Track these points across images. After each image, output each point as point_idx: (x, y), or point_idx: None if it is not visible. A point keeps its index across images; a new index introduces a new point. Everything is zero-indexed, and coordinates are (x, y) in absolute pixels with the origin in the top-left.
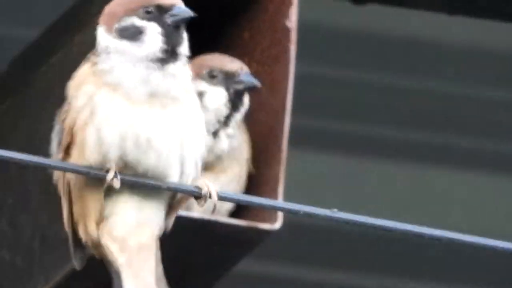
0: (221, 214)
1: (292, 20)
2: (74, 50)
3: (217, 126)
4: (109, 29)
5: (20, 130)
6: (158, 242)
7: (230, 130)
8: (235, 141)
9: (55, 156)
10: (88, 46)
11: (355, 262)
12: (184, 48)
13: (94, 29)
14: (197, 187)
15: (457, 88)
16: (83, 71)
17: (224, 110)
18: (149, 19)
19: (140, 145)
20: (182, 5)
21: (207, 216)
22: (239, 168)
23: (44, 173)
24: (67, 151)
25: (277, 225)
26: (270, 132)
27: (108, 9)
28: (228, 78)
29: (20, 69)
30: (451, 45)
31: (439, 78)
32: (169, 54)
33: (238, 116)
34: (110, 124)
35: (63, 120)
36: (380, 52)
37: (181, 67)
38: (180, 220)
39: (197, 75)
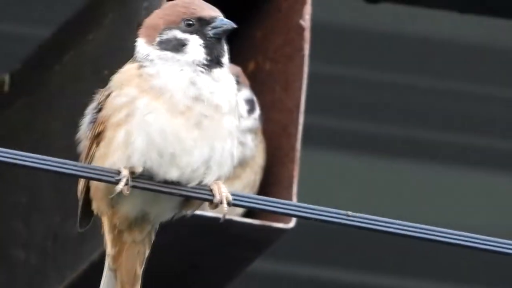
0: (234, 214)
1: (306, 19)
2: (87, 49)
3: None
4: (150, 41)
5: (33, 128)
6: (154, 235)
7: (242, 138)
8: (248, 149)
9: (83, 134)
10: (101, 44)
11: (368, 261)
12: (226, 58)
13: (106, 28)
14: (210, 191)
15: (470, 87)
16: (129, 71)
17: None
18: (191, 32)
19: (163, 158)
20: (223, 17)
21: (218, 216)
22: (254, 175)
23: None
24: (97, 138)
25: (291, 224)
26: (284, 131)
27: (148, 21)
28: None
29: (33, 68)
30: (463, 44)
31: (452, 77)
32: (214, 62)
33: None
34: (141, 131)
35: (101, 105)
36: (393, 51)
37: (226, 74)
38: (194, 220)
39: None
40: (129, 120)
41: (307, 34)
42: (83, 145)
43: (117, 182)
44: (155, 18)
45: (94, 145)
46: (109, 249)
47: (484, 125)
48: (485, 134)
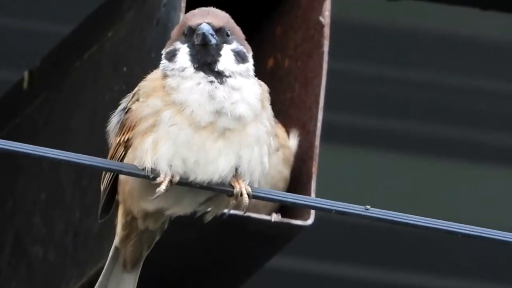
0: (261, 211)
1: (325, 16)
2: (107, 45)
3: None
4: (164, 51)
5: (53, 125)
6: (167, 224)
7: None
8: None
9: (112, 136)
10: (121, 41)
11: (387, 258)
12: (222, 64)
13: (126, 25)
14: (230, 185)
15: (493, 84)
16: (155, 80)
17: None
18: (183, 42)
19: (187, 166)
20: (205, 24)
21: (239, 212)
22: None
23: (76, 169)
24: (126, 143)
25: (310, 221)
26: (303, 128)
27: (172, 33)
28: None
29: (53, 65)
30: (484, 41)
31: (473, 73)
32: (204, 69)
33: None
34: (167, 139)
35: (129, 110)
36: (413, 48)
37: (245, 82)
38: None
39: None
40: (155, 129)
41: (326, 31)
42: (110, 142)
43: (154, 179)
44: (174, 30)
45: (122, 149)
46: (119, 230)
47: (510, 122)
48: (504, 131)
